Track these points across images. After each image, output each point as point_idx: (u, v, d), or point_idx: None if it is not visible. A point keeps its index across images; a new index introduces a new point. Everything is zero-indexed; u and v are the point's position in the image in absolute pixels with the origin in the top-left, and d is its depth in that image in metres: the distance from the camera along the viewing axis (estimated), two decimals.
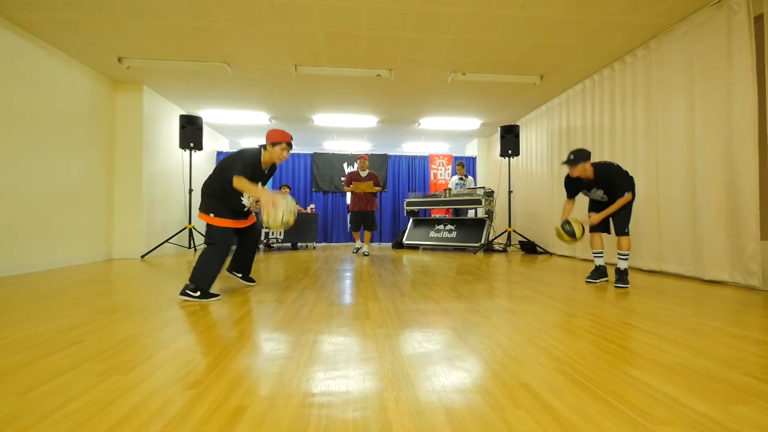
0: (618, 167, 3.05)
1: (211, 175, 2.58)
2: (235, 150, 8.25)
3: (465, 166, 6.90)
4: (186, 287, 2.40)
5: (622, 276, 2.98)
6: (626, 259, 3.02)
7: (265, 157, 2.62)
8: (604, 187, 3.05)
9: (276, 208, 2.38)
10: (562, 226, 3.08)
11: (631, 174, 3.10)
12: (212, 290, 2.50)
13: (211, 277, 2.45)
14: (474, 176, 8.80)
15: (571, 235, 3.03)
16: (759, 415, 1.02)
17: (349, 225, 6.13)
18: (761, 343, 1.61)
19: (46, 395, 1.12)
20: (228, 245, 2.55)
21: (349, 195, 6.97)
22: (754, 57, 2.91)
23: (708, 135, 3.26)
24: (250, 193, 2.47)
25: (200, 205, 2.58)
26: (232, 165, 2.48)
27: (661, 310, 2.20)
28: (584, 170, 3.03)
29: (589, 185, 3.12)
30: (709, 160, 3.24)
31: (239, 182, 2.41)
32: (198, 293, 2.39)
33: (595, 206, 3.20)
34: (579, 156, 3.00)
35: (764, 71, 2.84)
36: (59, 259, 4.24)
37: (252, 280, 2.99)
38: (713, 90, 3.21)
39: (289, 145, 2.63)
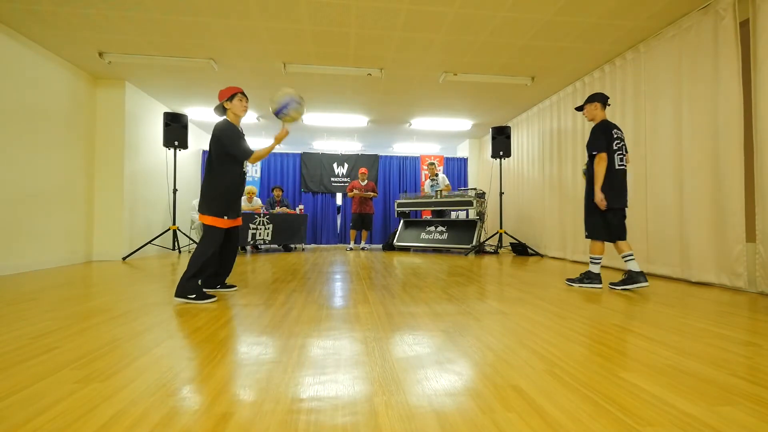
0: (605, 124, 2.78)
1: (208, 176, 2.57)
2: None
3: (434, 165, 6.99)
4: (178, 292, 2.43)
5: (634, 276, 2.77)
6: (631, 258, 2.79)
7: (234, 118, 2.68)
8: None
9: (286, 126, 2.68)
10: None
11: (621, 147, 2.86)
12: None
13: (201, 266, 2.46)
14: (465, 177, 8.84)
15: None
16: (745, 416, 1.03)
17: (350, 224, 7.39)
18: (747, 344, 1.63)
19: (20, 404, 1.07)
20: (218, 243, 2.56)
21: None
22: (740, 60, 2.97)
23: (695, 137, 3.31)
24: (267, 153, 2.66)
25: (200, 207, 2.57)
26: (230, 151, 2.54)
27: (649, 312, 2.23)
28: (593, 115, 2.77)
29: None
30: (697, 162, 3.29)
31: (255, 157, 2.59)
32: (194, 295, 2.40)
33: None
34: (589, 97, 2.78)
35: (750, 75, 2.90)
36: (35, 262, 4.08)
37: (232, 285, 2.89)
38: (700, 93, 3.26)
39: (244, 94, 2.66)
